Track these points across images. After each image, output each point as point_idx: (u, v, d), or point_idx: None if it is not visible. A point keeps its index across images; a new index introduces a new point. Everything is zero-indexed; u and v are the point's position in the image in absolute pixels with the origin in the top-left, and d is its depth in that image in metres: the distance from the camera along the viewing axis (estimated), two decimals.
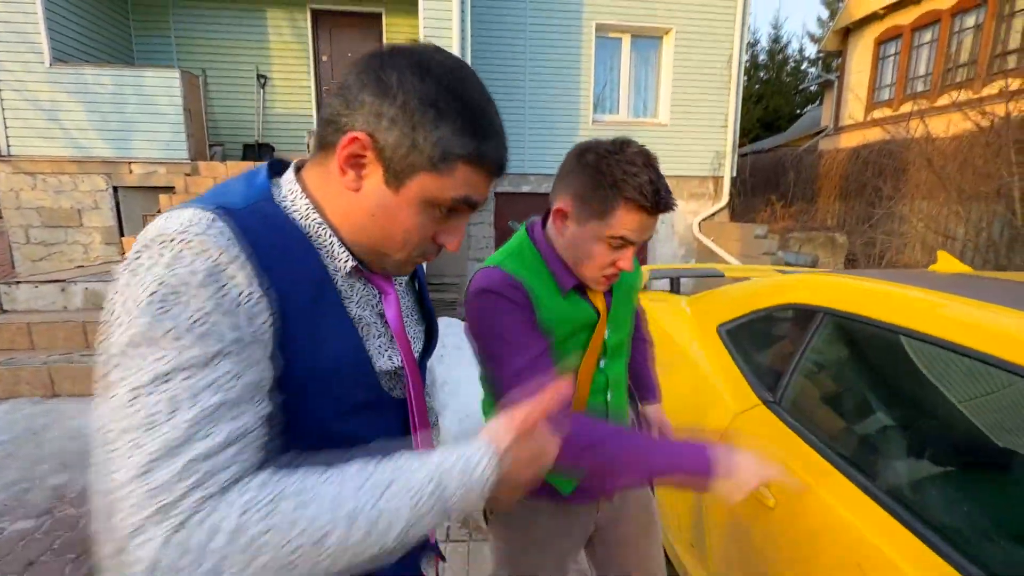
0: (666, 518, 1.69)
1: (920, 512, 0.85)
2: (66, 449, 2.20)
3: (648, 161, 0.85)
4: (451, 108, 0.52)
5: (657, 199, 0.83)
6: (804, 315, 1.34)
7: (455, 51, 5.57)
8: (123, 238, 4.65)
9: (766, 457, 0.82)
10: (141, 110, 5.33)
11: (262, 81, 6.62)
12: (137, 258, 0.45)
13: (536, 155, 6.87)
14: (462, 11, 5.49)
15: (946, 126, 5.57)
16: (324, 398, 0.53)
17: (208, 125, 6.43)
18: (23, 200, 5.39)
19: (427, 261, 0.61)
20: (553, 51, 6.72)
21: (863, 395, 1.17)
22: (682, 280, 2.64)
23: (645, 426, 1.24)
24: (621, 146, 0.86)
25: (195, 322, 0.43)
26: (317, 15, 6.66)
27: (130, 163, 5.46)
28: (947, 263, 1.58)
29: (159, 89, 5.33)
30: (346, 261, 0.56)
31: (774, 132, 17.12)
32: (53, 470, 2.04)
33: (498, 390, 0.89)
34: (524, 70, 6.66)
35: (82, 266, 4.75)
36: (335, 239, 0.56)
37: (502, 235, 6.93)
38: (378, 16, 6.75)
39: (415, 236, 0.56)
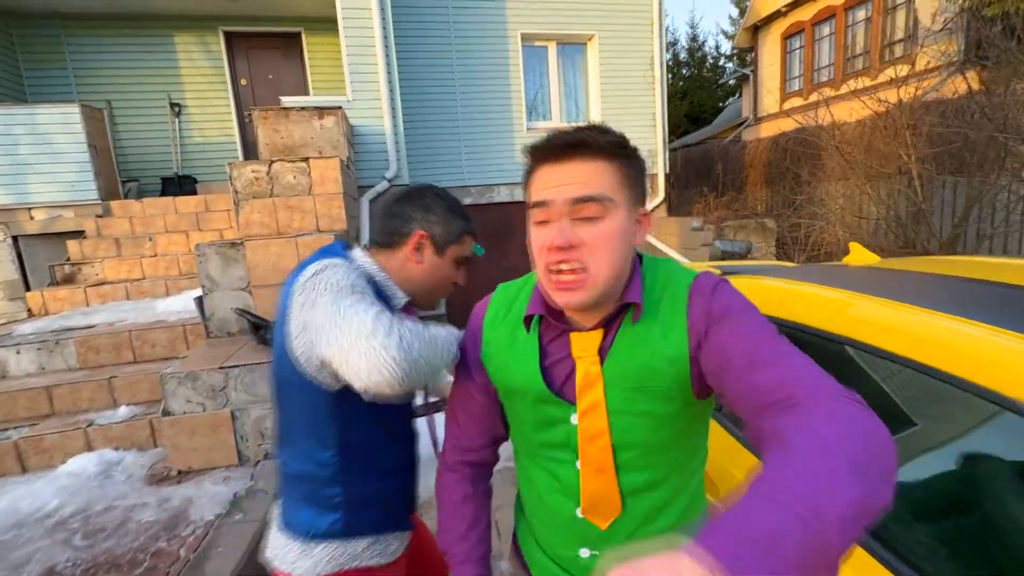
0: None
1: None
2: None
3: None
4: (456, 209, 1.03)
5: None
6: None
7: (380, 70, 5.46)
8: (28, 293, 4.20)
9: None
10: (37, 150, 4.87)
11: (176, 110, 6.24)
12: (319, 276, 0.84)
13: (474, 167, 6.86)
14: (383, 28, 5.40)
15: (849, 112, 6.02)
16: None
17: (119, 161, 5.97)
18: None
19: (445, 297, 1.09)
20: (482, 63, 6.74)
21: None
22: None
23: None
24: None
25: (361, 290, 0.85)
26: (231, 37, 6.36)
27: (30, 209, 4.98)
28: (859, 254, 1.68)
29: (56, 127, 4.89)
30: (402, 299, 1.00)
31: (701, 125, 17.98)
32: None
33: None
34: (454, 84, 6.64)
35: None
36: (397, 288, 0.99)
37: None
38: (297, 35, 6.54)
39: (449, 281, 1.05)
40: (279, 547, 0.94)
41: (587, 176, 0.66)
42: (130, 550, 1.84)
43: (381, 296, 0.91)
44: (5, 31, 5.63)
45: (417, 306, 1.05)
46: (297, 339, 0.83)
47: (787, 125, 8.80)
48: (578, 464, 0.73)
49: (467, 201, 6.89)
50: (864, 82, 7.46)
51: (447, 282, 1.04)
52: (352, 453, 0.92)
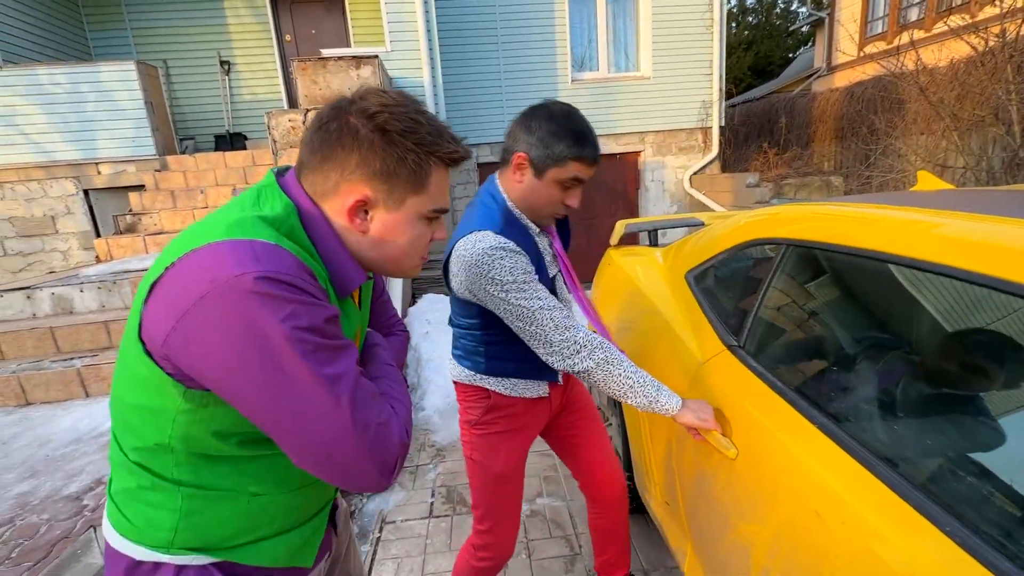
0: (645, 478, 1.62)
1: (887, 456, 0.76)
2: (34, 456, 2.14)
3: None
4: (560, 132, 1.02)
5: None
6: (767, 251, 1.23)
7: (419, 18, 5.32)
8: (96, 240, 4.52)
9: None
10: (101, 107, 5.14)
11: (226, 67, 6.38)
12: (492, 259, 1.02)
13: None
14: None
15: (940, 54, 5.29)
16: None
17: (175, 118, 6.23)
18: None
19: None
20: (526, 10, 6.42)
21: (830, 332, 1.06)
22: (670, 233, 2.49)
23: None
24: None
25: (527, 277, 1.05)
26: None
27: (97, 164, 5.31)
28: (928, 182, 1.45)
29: (116, 84, 5.13)
30: (535, 231, 1.15)
31: (766, 79, 16.57)
32: (20, 478, 1.98)
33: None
34: (497, 34, 6.37)
35: (53, 271, 4.67)
36: (521, 215, 1.13)
37: None
38: None
39: (557, 202, 1.09)
40: (453, 368, 1.27)
41: None
42: None
43: (518, 228, 1.07)
44: None
45: (539, 228, 1.15)
46: (461, 292, 1.09)
47: (865, 73, 7.90)
48: None
49: None
50: (961, 19, 6.51)
51: (554, 204, 1.08)
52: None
